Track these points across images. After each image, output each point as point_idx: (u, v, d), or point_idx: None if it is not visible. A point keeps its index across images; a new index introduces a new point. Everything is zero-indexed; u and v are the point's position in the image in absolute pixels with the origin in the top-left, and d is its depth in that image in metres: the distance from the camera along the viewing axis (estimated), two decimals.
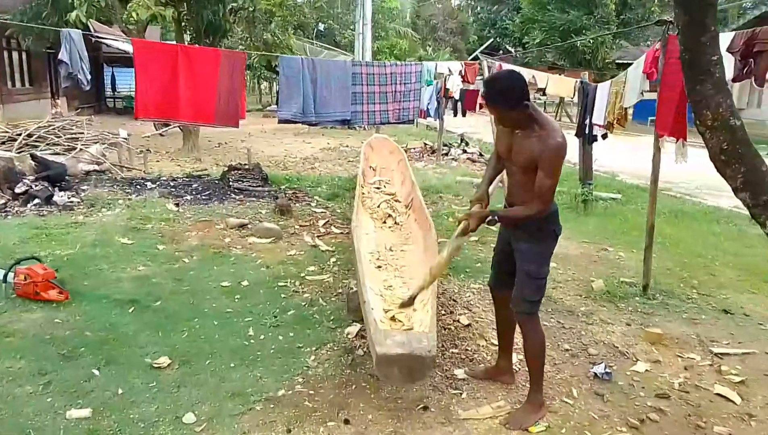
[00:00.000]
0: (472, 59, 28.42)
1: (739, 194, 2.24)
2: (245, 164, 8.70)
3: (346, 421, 2.92)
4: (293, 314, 4.14)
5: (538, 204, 2.79)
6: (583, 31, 20.94)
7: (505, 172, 3.17)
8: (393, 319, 3.16)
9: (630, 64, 5.71)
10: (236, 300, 4.36)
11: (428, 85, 7.33)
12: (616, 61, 23.73)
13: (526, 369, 3.45)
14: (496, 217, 2.95)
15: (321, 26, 25.29)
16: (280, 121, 6.33)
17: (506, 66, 8.09)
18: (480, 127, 17.95)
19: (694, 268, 5.46)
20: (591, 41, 19.68)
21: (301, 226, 6.35)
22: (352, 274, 4.87)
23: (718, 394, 3.30)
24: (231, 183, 7.86)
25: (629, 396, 3.26)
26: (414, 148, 13.12)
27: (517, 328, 3.37)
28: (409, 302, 3.20)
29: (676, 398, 3.25)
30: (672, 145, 4.70)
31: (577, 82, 7.39)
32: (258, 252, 5.45)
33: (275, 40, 13.31)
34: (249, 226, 6.16)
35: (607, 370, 3.47)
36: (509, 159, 2.95)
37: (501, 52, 34.25)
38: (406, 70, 6.83)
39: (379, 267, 4.12)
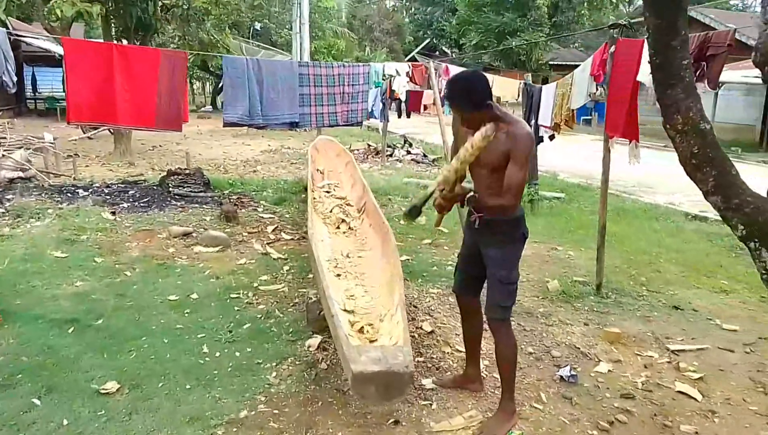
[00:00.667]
0: (408, 59, 28.56)
1: (710, 198, 2.24)
2: (185, 168, 8.34)
3: None
4: (249, 328, 3.95)
5: (510, 198, 2.72)
6: (518, 33, 21.43)
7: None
8: (361, 330, 3.03)
9: (562, 66, 5.81)
10: (186, 315, 4.12)
11: (377, 87, 7.25)
12: (549, 63, 24.46)
13: (494, 376, 3.43)
14: (475, 196, 2.78)
15: (257, 25, 24.77)
16: (226, 125, 6.07)
17: (452, 68, 8.12)
18: (422, 127, 18.04)
19: (641, 265, 5.61)
20: (525, 43, 20.17)
21: (249, 233, 6.12)
22: (308, 282, 4.72)
23: (679, 392, 3.36)
24: (171, 189, 7.51)
25: (596, 398, 3.28)
26: (358, 150, 13.01)
27: (485, 334, 3.35)
28: (417, 210, 2.86)
29: (640, 398, 3.29)
30: (618, 146, 4.81)
31: (521, 83, 7.48)
32: (205, 262, 5.19)
33: (211, 39, 12.86)
34: (194, 234, 5.88)
35: (573, 372, 3.47)
36: (476, 163, 2.88)
37: (437, 53, 34.62)
38: (354, 71, 6.71)
39: (339, 275, 3.98)
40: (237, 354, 3.59)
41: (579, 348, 3.85)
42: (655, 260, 5.79)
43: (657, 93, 2.30)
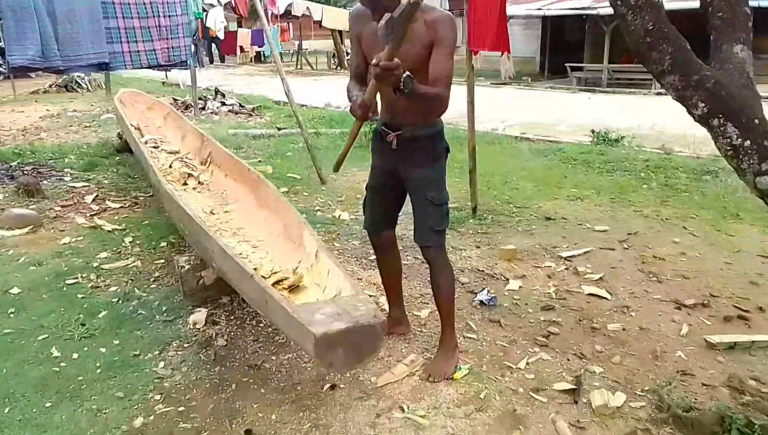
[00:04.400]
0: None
1: (666, 78, 2.09)
2: None
3: (248, 432, 2.24)
4: (107, 316, 3.12)
5: (443, 89, 2.28)
6: None
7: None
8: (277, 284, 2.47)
9: None
10: (12, 315, 3.14)
11: (197, 18, 6.24)
12: None
13: (414, 314, 3.14)
14: (410, 85, 2.11)
15: None
16: (13, 69, 4.73)
17: None
18: (222, 80, 16.74)
19: (498, 186, 5.69)
20: None
21: (63, 206, 4.96)
22: (163, 252, 3.94)
23: (590, 295, 3.39)
24: None
25: (520, 316, 3.16)
26: None
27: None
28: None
29: (559, 307, 3.24)
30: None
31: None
32: (16, 247, 4.07)
33: None
34: None
35: (490, 295, 3.31)
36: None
37: None
38: None
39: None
40: (102, 350, 2.80)
41: (483, 271, 3.72)
42: (508, 179, 5.92)
43: None
